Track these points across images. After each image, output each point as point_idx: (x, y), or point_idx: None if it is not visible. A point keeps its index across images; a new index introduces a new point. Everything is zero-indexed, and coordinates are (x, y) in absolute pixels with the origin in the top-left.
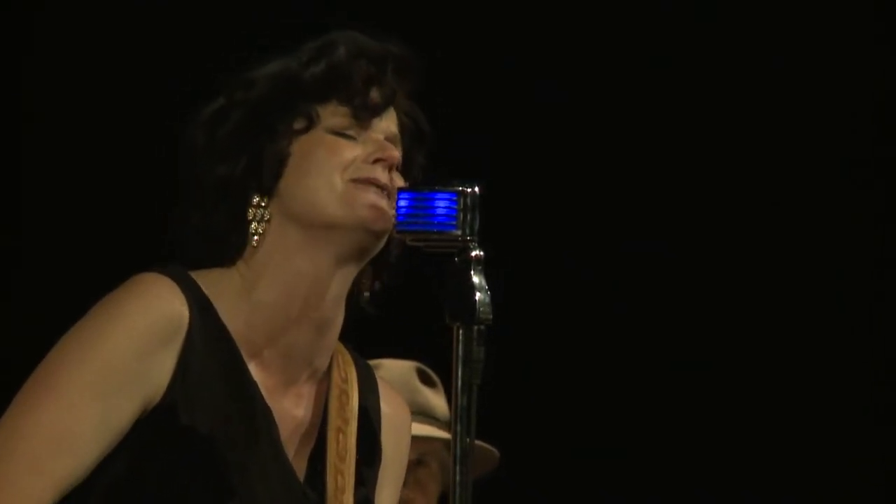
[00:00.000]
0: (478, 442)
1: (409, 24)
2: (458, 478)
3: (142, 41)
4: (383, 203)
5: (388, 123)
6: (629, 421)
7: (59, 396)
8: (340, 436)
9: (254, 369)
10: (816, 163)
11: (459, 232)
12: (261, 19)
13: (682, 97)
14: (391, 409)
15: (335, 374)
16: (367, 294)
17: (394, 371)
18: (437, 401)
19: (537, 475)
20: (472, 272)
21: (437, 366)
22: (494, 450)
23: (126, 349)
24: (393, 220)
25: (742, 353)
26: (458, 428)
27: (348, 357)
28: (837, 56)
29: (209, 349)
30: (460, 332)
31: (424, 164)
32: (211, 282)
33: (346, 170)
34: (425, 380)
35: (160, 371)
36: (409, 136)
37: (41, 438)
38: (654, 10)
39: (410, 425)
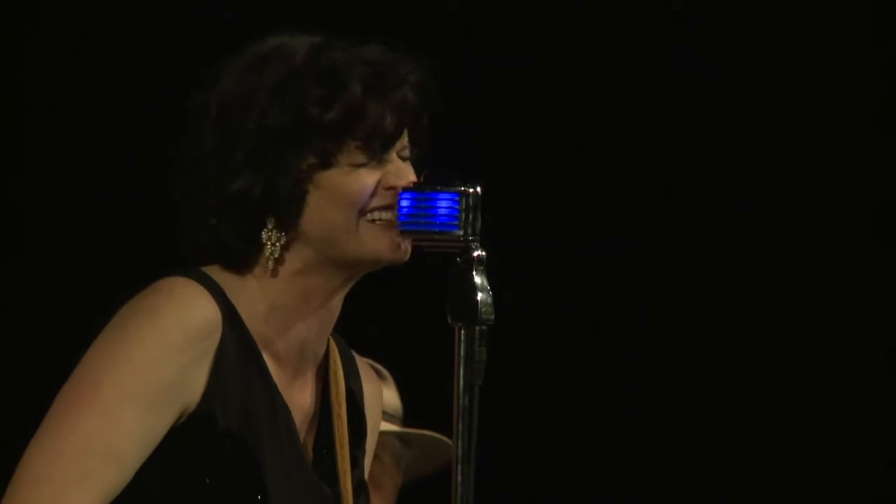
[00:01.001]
0: (434, 434)
1: (407, 23)
2: (458, 478)
3: (142, 39)
4: (400, 240)
5: (401, 138)
6: (629, 420)
7: (103, 408)
8: (338, 420)
9: (270, 366)
10: (816, 163)
11: (461, 232)
12: (262, 20)
13: (683, 97)
14: (368, 384)
15: (330, 359)
16: None
17: None
18: (387, 396)
19: (537, 475)
20: (474, 272)
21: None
22: (450, 441)
23: (166, 361)
24: (408, 253)
25: (742, 353)
26: (460, 427)
27: (330, 337)
28: (837, 57)
29: (236, 354)
30: (462, 332)
31: (428, 127)
32: (230, 281)
33: (367, 202)
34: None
35: (197, 381)
36: (416, 112)
37: (87, 452)
38: (655, 11)
39: (383, 396)
